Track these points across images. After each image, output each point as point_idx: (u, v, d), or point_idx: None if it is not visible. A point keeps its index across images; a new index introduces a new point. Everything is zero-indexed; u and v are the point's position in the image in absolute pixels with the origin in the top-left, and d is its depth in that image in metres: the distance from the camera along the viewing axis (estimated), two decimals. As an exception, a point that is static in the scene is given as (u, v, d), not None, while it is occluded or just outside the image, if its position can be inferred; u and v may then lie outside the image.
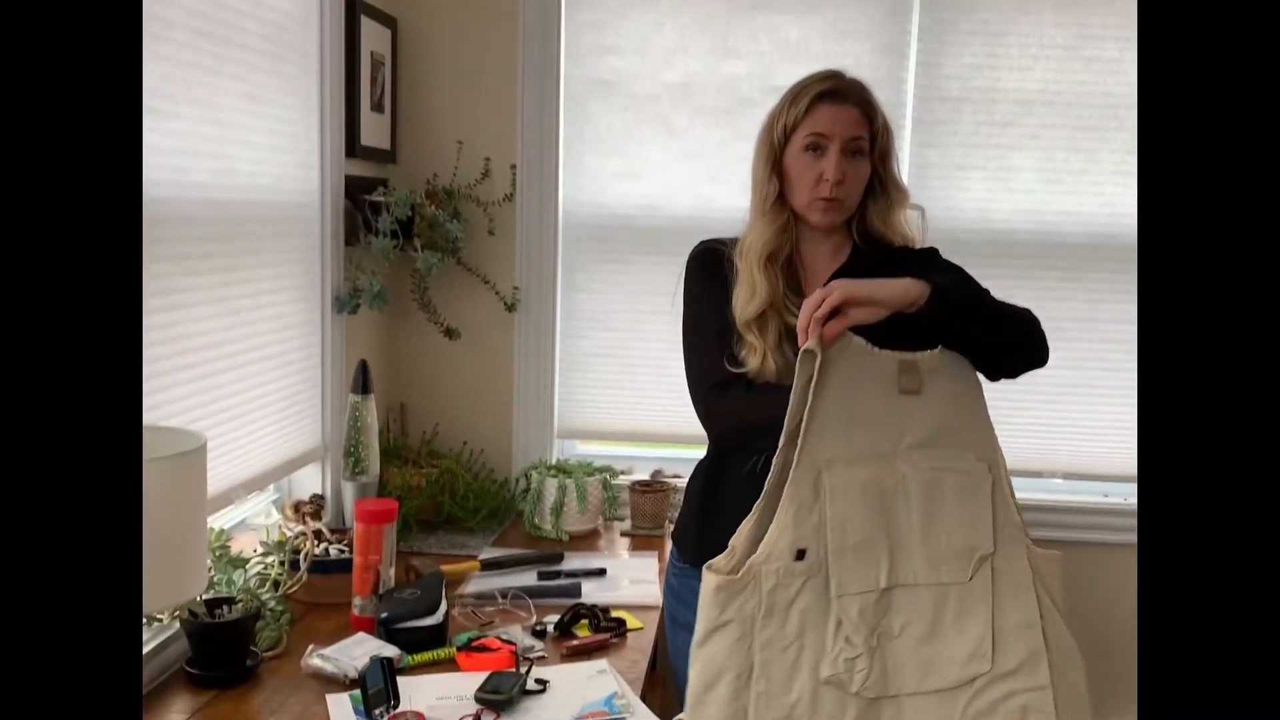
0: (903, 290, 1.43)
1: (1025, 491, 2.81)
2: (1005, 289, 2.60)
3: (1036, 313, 1.64)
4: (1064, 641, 1.44)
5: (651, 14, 2.71)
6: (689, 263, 1.82)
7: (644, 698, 1.68)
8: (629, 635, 1.95)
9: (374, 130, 2.56)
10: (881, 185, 1.74)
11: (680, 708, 1.81)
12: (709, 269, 1.78)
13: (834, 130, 1.66)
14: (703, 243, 1.83)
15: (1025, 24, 2.67)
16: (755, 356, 1.66)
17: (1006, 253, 2.71)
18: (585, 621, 1.97)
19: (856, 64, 2.68)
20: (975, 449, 1.44)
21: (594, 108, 2.75)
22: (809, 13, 2.69)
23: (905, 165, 2.71)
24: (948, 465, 1.42)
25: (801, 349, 1.38)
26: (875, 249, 1.76)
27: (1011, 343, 1.58)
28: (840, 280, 1.43)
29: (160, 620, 1.77)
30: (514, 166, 2.73)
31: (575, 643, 1.89)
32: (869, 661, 1.38)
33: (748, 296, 1.69)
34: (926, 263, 1.74)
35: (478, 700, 1.60)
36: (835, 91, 1.68)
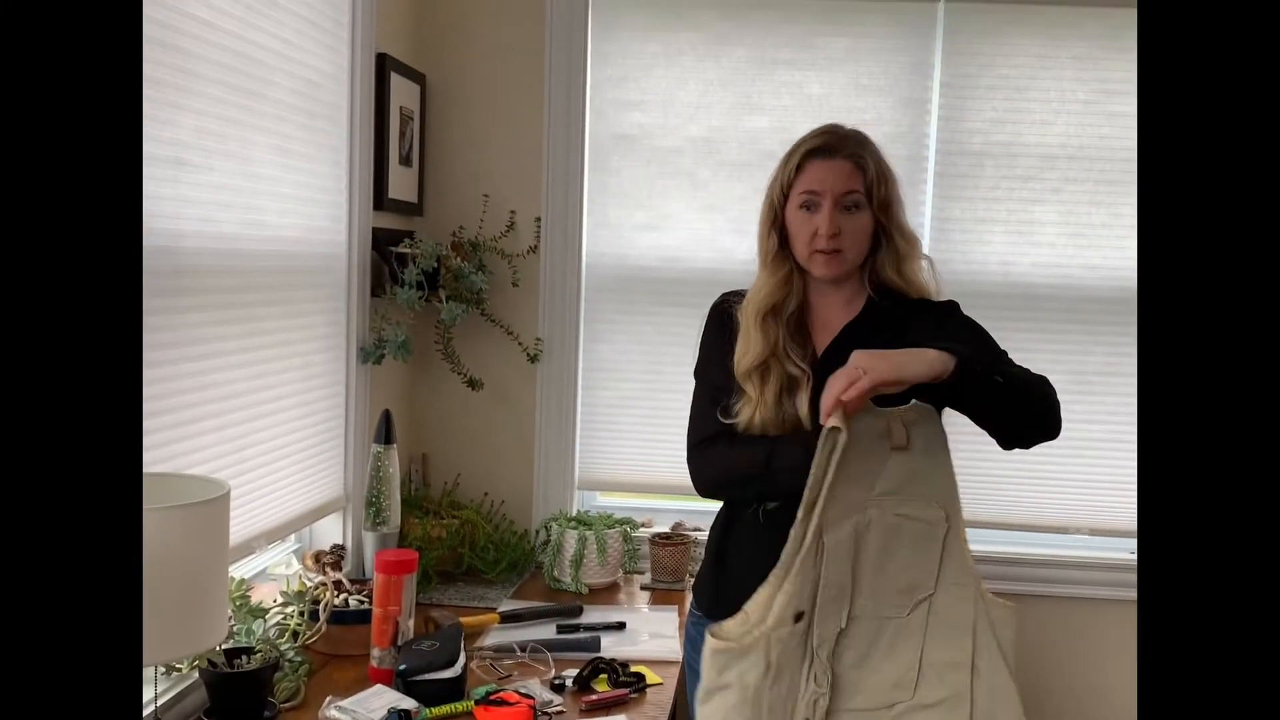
0: (928, 364, 1.43)
1: (1050, 548, 2.81)
2: (1028, 343, 2.61)
3: (1060, 366, 1.66)
4: (1002, 690, 1.48)
5: (675, 70, 2.75)
6: (706, 316, 1.84)
7: (663, 755, 1.66)
8: (649, 690, 1.93)
9: (402, 183, 2.59)
10: (886, 235, 1.73)
11: None
12: (718, 322, 1.82)
13: (825, 186, 1.68)
14: (722, 295, 1.85)
15: (1046, 79, 2.69)
16: (748, 409, 1.69)
17: (1029, 306, 2.70)
18: (604, 676, 1.95)
19: (878, 119, 2.70)
20: (938, 496, 1.49)
21: (617, 162, 2.78)
22: (830, 69, 2.72)
23: (926, 219, 2.72)
24: (911, 512, 1.48)
25: (826, 427, 1.40)
26: (890, 300, 1.75)
27: (1028, 413, 1.59)
28: (863, 355, 1.44)
29: (179, 670, 1.77)
30: (539, 219, 2.76)
31: (594, 697, 1.87)
32: (829, 695, 1.47)
33: (743, 350, 1.72)
34: (945, 317, 1.74)
35: None
36: (825, 148, 1.70)
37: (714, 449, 1.76)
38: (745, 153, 2.75)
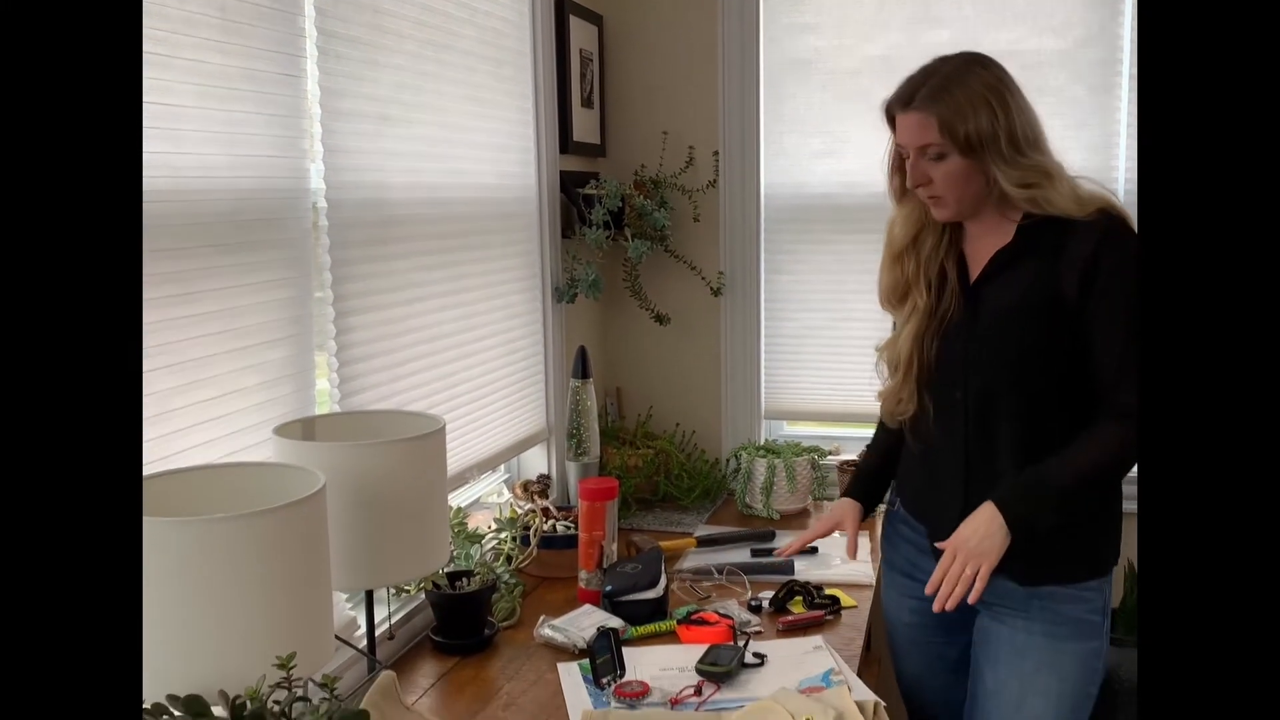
0: (1003, 543, 1.62)
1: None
2: None
3: None
4: None
5: (849, -12, 2.69)
6: None
7: (859, 675, 1.69)
8: (843, 613, 1.96)
9: (584, 125, 2.66)
10: (986, 175, 1.63)
11: (902, 689, 1.88)
12: None
13: (905, 141, 1.67)
14: None
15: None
16: (889, 346, 1.82)
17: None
18: (799, 598, 1.99)
19: (1066, 21, 2.58)
20: None
21: (793, 88, 2.75)
22: (1014, -28, 2.60)
23: (1123, 125, 2.59)
24: None
25: None
26: (1039, 224, 1.66)
27: (1096, 489, 1.68)
28: (966, 549, 1.63)
29: (408, 591, 1.92)
30: (716, 153, 2.78)
31: (791, 618, 1.91)
32: None
33: (881, 286, 1.81)
34: (1099, 252, 1.61)
35: (699, 672, 1.66)
36: (899, 99, 1.67)
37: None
38: (926, 70, 2.67)
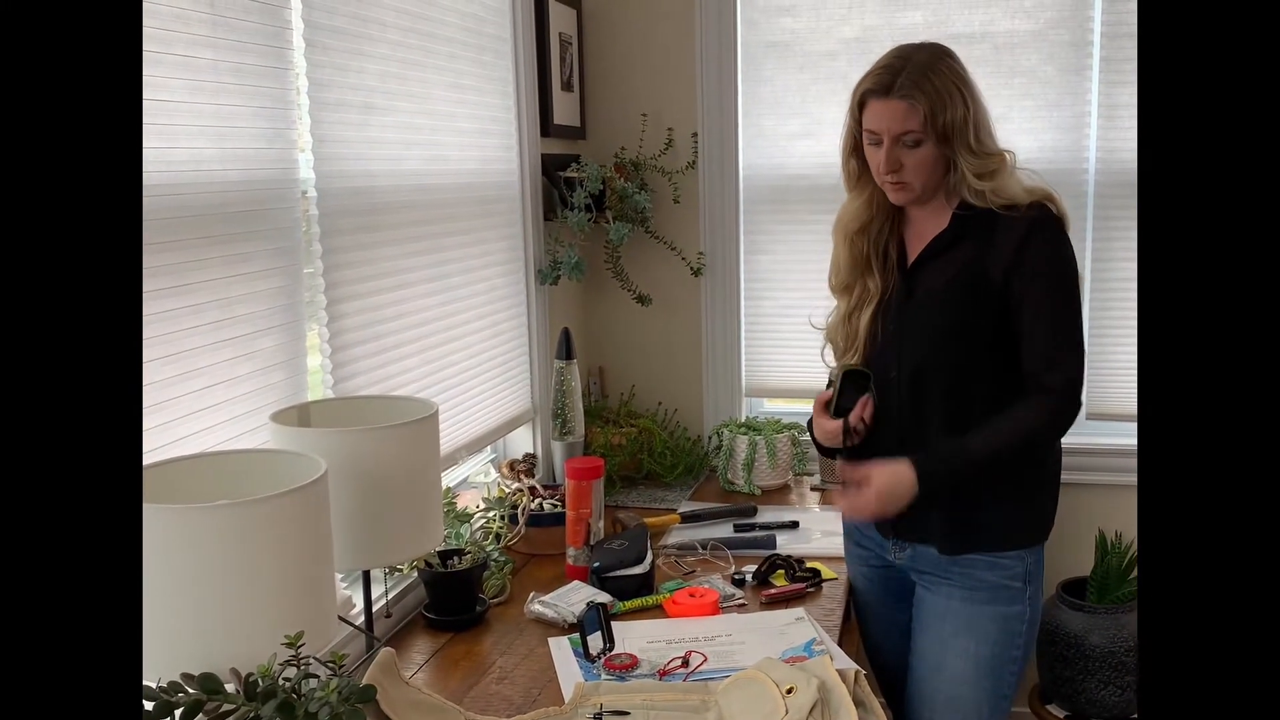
0: (901, 500, 1.72)
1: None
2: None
3: None
4: None
5: (826, -29, 2.72)
6: None
7: (840, 645, 1.75)
8: (824, 585, 2.01)
9: (565, 109, 2.68)
10: (953, 163, 1.73)
11: (866, 654, 1.98)
12: None
13: (881, 127, 1.71)
14: None
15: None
16: (831, 319, 1.92)
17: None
18: (781, 571, 2.04)
19: (1038, 4, 2.62)
20: None
21: (770, 70, 2.79)
22: (986, -46, 2.64)
23: (1093, 106, 2.63)
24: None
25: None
26: (974, 213, 1.75)
27: (1004, 468, 1.76)
28: (875, 492, 1.72)
29: (400, 570, 1.96)
30: (695, 135, 2.81)
31: (774, 591, 1.96)
32: None
33: (834, 269, 1.91)
34: (1027, 238, 1.71)
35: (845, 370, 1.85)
36: (877, 88, 1.71)
37: None
38: (901, 52, 2.70)
